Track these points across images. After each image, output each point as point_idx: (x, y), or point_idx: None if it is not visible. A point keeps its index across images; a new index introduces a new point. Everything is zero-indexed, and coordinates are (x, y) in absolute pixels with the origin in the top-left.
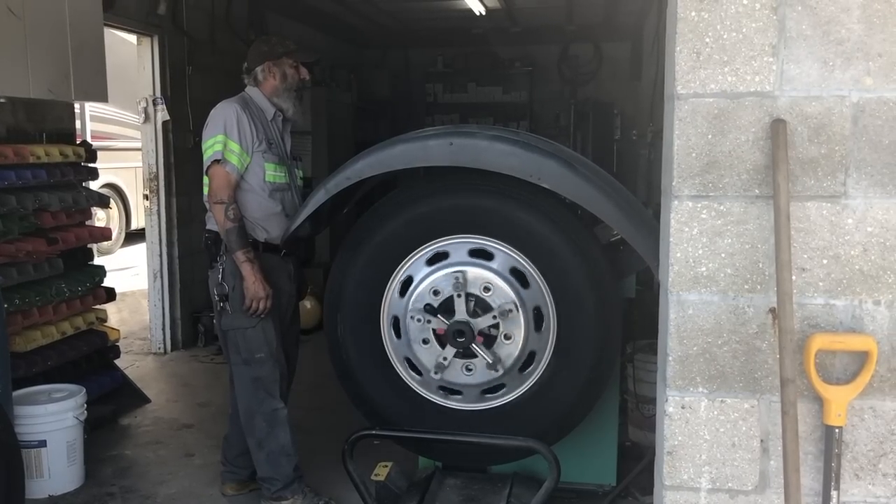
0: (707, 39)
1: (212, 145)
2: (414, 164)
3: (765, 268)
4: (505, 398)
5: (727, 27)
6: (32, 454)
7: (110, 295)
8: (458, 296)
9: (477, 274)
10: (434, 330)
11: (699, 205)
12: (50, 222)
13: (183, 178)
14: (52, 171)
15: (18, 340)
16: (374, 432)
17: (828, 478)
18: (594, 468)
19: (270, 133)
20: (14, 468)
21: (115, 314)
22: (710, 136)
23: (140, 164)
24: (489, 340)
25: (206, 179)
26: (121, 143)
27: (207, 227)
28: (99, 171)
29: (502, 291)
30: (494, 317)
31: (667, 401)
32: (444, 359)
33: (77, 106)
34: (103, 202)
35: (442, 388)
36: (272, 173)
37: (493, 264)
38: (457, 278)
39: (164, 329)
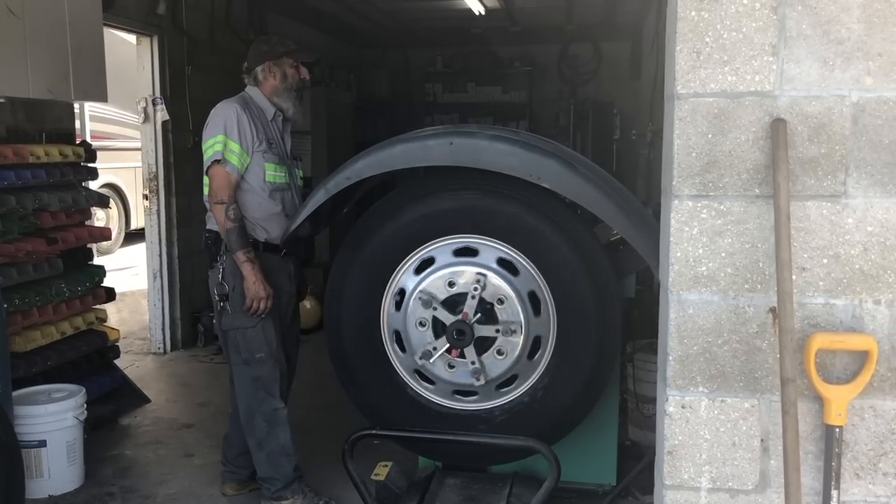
0: (707, 39)
1: (212, 145)
2: (414, 163)
3: (765, 267)
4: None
5: (727, 27)
6: (32, 454)
7: (110, 295)
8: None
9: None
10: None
11: (699, 204)
12: (49, 222)
13: (182, 178)
14: (52, 171)
15: (18, 340)
16: (374, 432)
17: (828, 477)
18: (594, 468)
19: (270, 133)
20: (14, 468)
21: (114, 314)
22: (710, 136)
23: (140, 163)
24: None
25: (206, 179)
26: (120, 143)
27: (207, 226)
28: (98, 170)
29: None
30: (473, 297)
31: (667, 400)
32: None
33: (76, 106)
34: (103, 202)
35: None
36: (272, 173)
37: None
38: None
39: (163, 329)
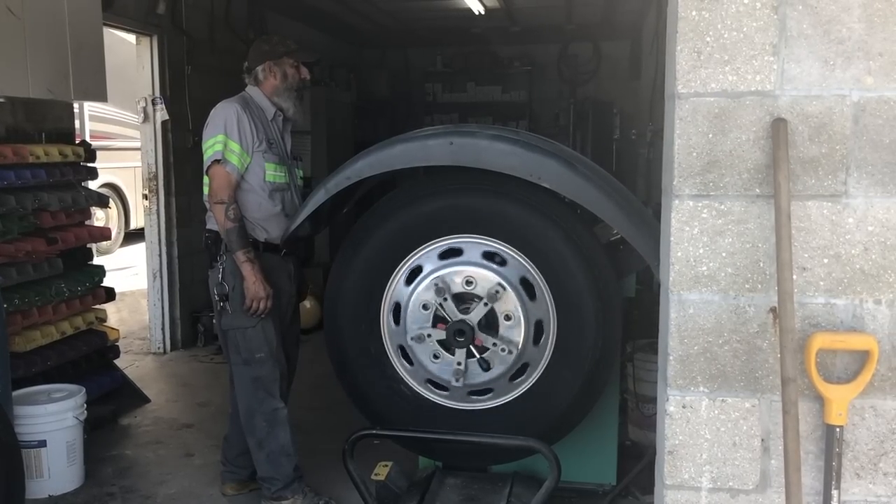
0: (708, 38)
1: (212, 145)
2: (414, 163)
3: (765, 267)
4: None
5: (728, 26)
6: (32, 454)
7: (110, 295)
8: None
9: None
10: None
11: (700, 204)
12: (49, 222)
13: (182, 178)
14: (52, 170)
15: (18, 340)
16: (374, 432)
17: (829, 477)
18: (594, 467)
19: (271, 133)
20: (14, 468)
21: (114, 314)
22: (710, 136)
23: (139, 163)
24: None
25: (206, 179)
26: (120, 143)
27: (207, 226)
28: (98, 170)
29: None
30: (486, 304)
31: (668, 400)
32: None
33: (76, 105)
34: (102, 202)
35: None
36: (272, 173)
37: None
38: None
39: (163, 329)
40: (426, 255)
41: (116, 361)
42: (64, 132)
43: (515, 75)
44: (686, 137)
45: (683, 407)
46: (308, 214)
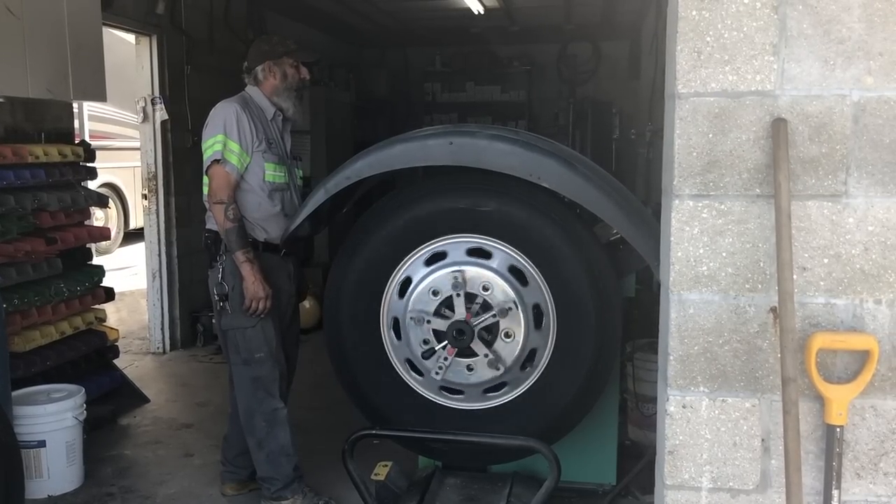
0: (708, 38)
1: (211, 145)
2: (414, 163)
3: (766, 267)
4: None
5: (728, 26)
6: (32, 454)
7: (109, 295)
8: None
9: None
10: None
11: (700, 204)
12: (49, 222)
13: (181, 178)
14: (51, 170)
15: (17, 340)
16: (374, 432)
17: (829, 477)
18: (594, 467)
19: (270, 133)
20: (13, 468)
21: (113, 314)
22: (710, 136)
23: (139, 163)
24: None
25: (205, 179)
26: (119, 143)
27: (207, 226)
28: (97, 170)
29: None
30: (494, 315)
31: (668, 400)
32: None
33: (75, 105)
34: (102, 202)
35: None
36: (272, 173)
37: (492, 263)
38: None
39: (162, 329)
40: (452, 245)
41: (116, 361)
42: (63, 132)
43: (515, 75)
44: (686, 137)
45: (684, 407)
46: (308, 214)
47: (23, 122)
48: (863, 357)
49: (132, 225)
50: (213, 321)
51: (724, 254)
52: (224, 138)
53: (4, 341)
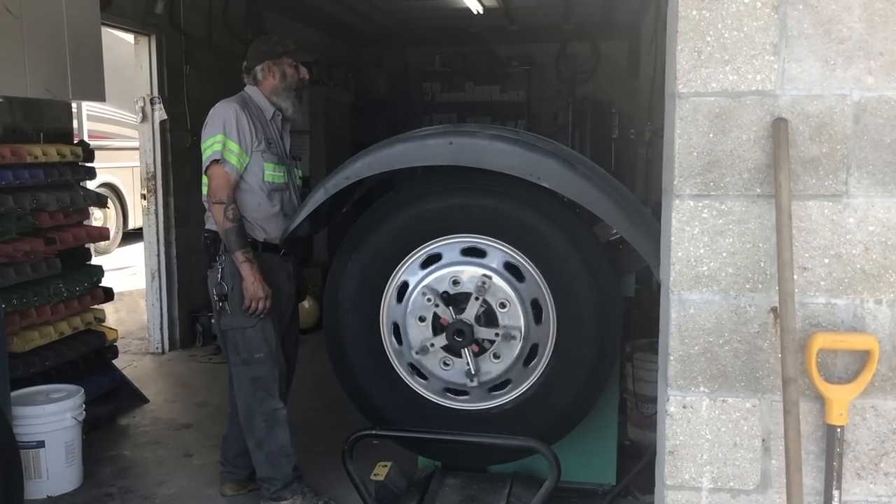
0: (708, 38)
1: (211, 145)
2: (413, 163)
3: (766, 267)
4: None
5: (728, 26)
6: (31, 455)
7: (108, 295)
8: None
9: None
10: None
11: (700, 204)
12: (48, 222)
13: (181, 178)
14: (50, 170)
15: (16, 341)
16: (373, 432)
17: (829, 477)
18: (594, 467)
19: (269, 132)
20: (12, 469)
21: (112, 314)
22: (711, 135)
23: (138, 163)
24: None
25: (204, 179)
26: (118, 143)
27: (206, 226)
28: (96, 170)
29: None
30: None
31: (668, 400)
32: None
33: (74, 105)
34: (101, 202)
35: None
36: (271, 173)
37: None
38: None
39: (162, 329)
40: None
41: (115, 361)
42: (62, 132)
43: (514, 75)
44: (686, 137)
45: (684, 407)
46: (307, 214)
47: (21, 121)
48: (863, 357)
49: (131, 225)
50: (213, 321)
51: (724, 254)
52: (223, 138)
53: (3, 342)
